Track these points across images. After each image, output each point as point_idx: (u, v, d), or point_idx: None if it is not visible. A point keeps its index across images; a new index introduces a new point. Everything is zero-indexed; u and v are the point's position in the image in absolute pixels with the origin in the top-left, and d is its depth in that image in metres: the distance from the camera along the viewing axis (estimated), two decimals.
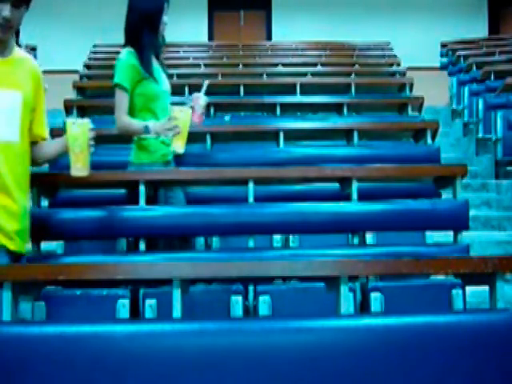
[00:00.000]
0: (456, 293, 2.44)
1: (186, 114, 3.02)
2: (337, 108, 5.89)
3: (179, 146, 3.02)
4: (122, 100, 3.17)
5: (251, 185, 3.03)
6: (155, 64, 3.29)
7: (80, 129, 2.46)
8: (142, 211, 3.00)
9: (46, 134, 2.63)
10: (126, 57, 3.20)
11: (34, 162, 2.60)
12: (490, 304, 2.03)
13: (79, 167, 2.48)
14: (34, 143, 2.57)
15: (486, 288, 2.07)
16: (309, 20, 12.13)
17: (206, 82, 3.40)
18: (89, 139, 2.47)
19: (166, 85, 3.35)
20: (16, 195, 2.39)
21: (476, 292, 3.15)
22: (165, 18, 3.25)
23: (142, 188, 3.00)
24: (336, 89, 6.40)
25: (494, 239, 5.02)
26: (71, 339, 1.85)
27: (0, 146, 2.37)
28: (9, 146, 2.39)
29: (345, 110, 5.93)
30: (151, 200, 3.07)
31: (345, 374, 1.83)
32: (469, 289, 2.61)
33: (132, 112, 3.20)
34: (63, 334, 1.86)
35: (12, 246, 2.39)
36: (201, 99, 3.31)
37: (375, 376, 1.83)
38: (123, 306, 2.47)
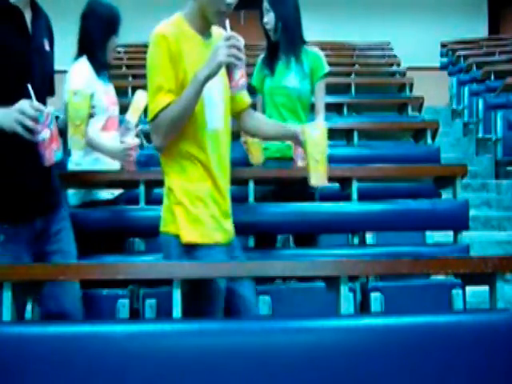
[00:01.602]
0: (456, 293, 2.44)
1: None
2: (337, 108, 5.89)
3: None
4: None
5: (251, 185, 3.03)
6: None
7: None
8: (141, 211, 3.00)
9: (247, 101, 2.46)
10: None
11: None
12: (490, 304, 2.03)
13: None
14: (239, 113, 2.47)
15: (486, 288, 2.07)
16: (309, 20, 12.06)
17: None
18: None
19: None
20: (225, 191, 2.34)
21: (476, 292, 3.15)
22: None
23: (141, 188, 3.00)
24: (336, 89, 6.40)
25: (494, 239, 5.02)
26: (71, 339, 1.85)
27: (215, 135, 2.27)
28: (220, 134, 2.29)
29: (345, 109, 5.93)
30: None
31: (345, 374, 1.83)
32: (469, 289, 2.61)
33: None
34: (63, 334, 1.86)
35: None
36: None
37: (375, 376, 1.83)
38: (123, 306, 2.47)
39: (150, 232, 2.96)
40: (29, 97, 2.10)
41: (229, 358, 1.83)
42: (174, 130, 2.20)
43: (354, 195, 3.04)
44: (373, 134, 4.99)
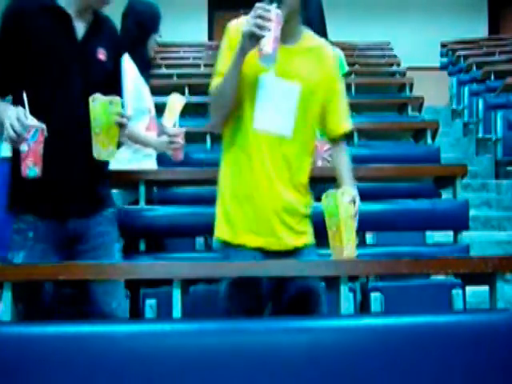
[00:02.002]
0: (456, 293, 2.44)
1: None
2: None
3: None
4: None
5: None
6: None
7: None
8: (141, 211, 3.00)
9: (342, 129, 2.35)
10: None
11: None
12: (490, 304, 2.03)
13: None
14: (332, 141, 2.39)
15: (486, 288, 2.07)
16: None
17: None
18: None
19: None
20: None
21: (476, 292, 3.15)
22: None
23: (142, 188, 3.00)
24: None
25: (494, 239, 5.02)
26: (71, 339, 1.85)
27: (270, 139, 2.21)
28: (280, 140, 2.23)
29: None
30: None
31: (345, 374, 1.83)
32: (469, 289, 2.61)
33: None
34: (63, 334, 1.86)
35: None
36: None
37: (375, 376, 1.83)
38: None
39: (150, 232, 2.97)
40: (67, 103, 2.17)
41: (229, 358, 1.83)
42: (220, 107, 2.23)
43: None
44: (373, 134, 4.99)
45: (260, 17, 2.04)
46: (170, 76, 7.22)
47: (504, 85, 7.07)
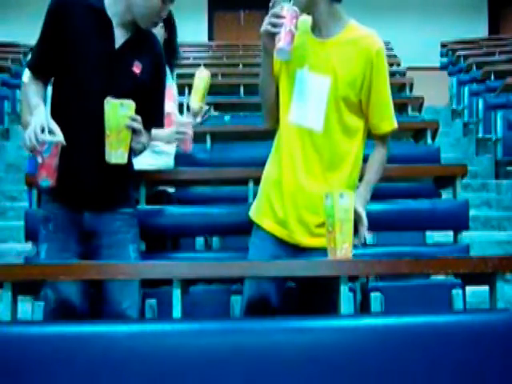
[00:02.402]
0: (456, 293, 2.44)
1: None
2: None
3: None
4: None
5: (251, 185, 3.03)
6: None
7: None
8: (142, 212, 3.00)
9: (380, 128, 2.30)
10: None
11: None
12: (490, 304, 2.03)
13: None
14: (377, 137, 2.33)
15: (486, 288, 2.07)
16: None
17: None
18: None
19: None
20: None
21: (476, 292, 3.15)
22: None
23: (142, 188, 3.00)
24: None
25: (494, 239, 5.02)
26: (71, 339, 1.85)
27: (302, 131, 2.26)
28: (310, 133, 2.26)
29: None
30: None
31: (345, 374, 1.83)
32: (469, 289, 2.61)
33: None
34: (63, 334, 1.86)
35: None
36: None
37: (375, 376, 1.83)
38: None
39: (149, 233, 2.97)
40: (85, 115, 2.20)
41: (229, 358, 1.83)
42: (262, 102, 2.36)
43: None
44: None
45: (273, 15, 2.12)
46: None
47: (504, 85, 7.07)
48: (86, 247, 2.32)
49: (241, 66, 8.60)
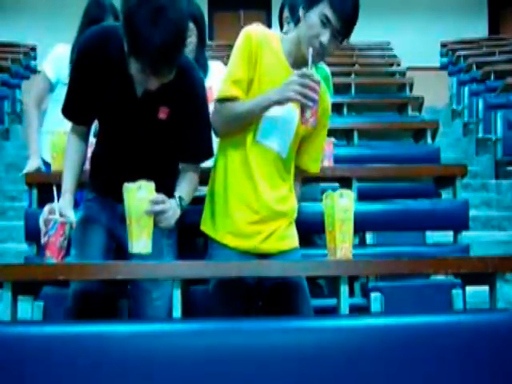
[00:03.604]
0: (456, 293, 2.43)
1: None
2: (337, 108, 5.89)
3: None
4: None
5: None
6: None
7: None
8: None
9: (308, 168, 2.40)
10: None
11: None
12: (490, 304, 2.03)
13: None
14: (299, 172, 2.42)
15: (486, 288, 2.07)
16: None
17: None
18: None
19: None
20: None
21: (476, 292, 3.15)
22: None
23: None
24: (336, 89, 6.40)
25: (494, 239, 5.02)
26: (71, 339, 1.85)
27: (267, 152, 2.27)
28: (275, 156, 2.28)
29: (345, 109, 5.93)
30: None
31: (345, 374, 1.83)
32: (469, 289, 2.61)
33: None
34: (63, 334, 1.86)
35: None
36: None
37: (375, 376, 1.83)
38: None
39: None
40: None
41: (229, 358, 1.83)
42: (230, 126, 2.27)
43: (354, 195, 3.03)
44: (373, 134, 4.99)
45: (307, 85, 2.06)
46: None
47: (504, 85, 7.08)
48: (119, 238, 2.26)
49: None
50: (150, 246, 1.99)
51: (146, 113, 2.14)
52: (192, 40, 2.97)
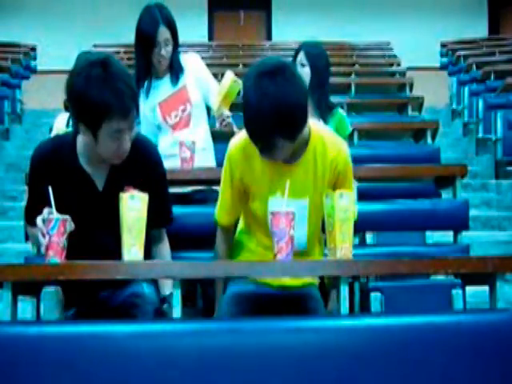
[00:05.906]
0: (456, 293, 2.44)
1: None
2: None
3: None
4: None
5: None
6: None
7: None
8: None
9: None
10: None
11: None
12: (490, 304, 2.03)
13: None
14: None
15: (486, 288, 2.07)
16: (309, 20, 12.13)
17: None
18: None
19: None
20: None
21: (476, 292, 3.15)
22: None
23: None
24: (336, 89, 6.41)
25: (494, 239, 5.02)
26: (71, 339, 1.85)
27: None
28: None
29: (345, 109, 5.92)
30: None
31: (345, 374, 1.83)
32: (469, 289, 2.61)
33: None
34: (63, 334, 1.86)
35: None
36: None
37: (375, 376, 1.83)
38: None
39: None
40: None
41: (229, 358, 1.83)
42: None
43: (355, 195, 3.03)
44: (373, 134, 4.99)
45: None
46: None
47: (504, 85, 7.08)
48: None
49: (241, 65, 8.60)
50: (140, 255, 1.99)
51: (110, 202, 2.12)
52: (169, 49, 3.04)
